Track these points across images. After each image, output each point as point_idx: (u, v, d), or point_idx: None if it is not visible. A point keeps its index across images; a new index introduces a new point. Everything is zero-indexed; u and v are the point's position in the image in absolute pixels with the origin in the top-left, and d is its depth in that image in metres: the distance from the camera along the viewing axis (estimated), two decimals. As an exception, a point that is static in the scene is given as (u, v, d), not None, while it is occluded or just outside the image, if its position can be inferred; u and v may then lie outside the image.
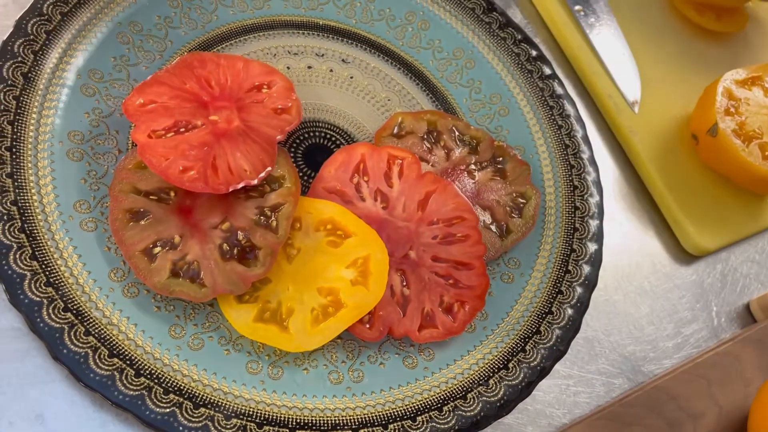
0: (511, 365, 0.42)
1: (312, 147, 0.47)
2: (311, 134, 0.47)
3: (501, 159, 0.48)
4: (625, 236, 0.54)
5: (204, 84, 0.43)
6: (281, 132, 0.43)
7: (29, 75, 0.40)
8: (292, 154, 0.46)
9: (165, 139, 0.40)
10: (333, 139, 0.47)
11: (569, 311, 0.44)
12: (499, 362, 0.42)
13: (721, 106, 0.53)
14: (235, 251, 0.39)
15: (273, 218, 0.40)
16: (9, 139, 0.38)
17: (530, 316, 0.44)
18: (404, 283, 0.42)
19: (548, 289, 0.45)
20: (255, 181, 0.40)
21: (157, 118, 0.41)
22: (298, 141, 0.46)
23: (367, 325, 0.41)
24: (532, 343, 0.43)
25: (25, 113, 0.39)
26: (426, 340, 0.41)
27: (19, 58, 0.40)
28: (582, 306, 0.45)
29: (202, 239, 0.39)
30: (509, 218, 0.46)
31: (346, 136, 0.48)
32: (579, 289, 0.45)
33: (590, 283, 0.46)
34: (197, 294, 0.38)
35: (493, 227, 0.46)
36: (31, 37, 0.41)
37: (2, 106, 0.39)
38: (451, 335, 0.41)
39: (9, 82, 0.39)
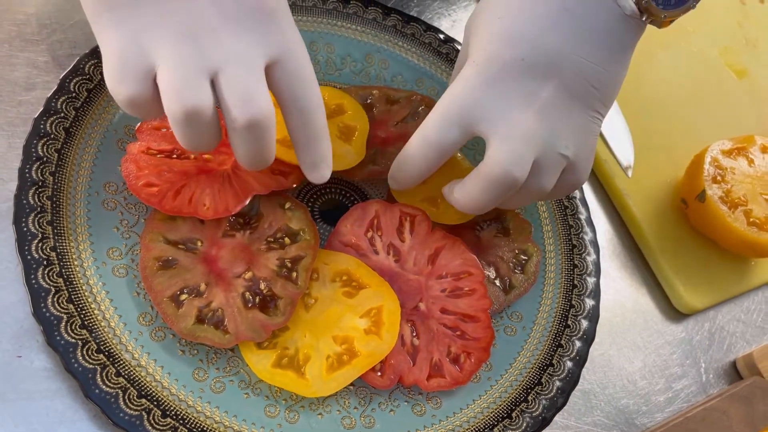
0: (514, 415, 0.44)
1: (328, 202, 0.49)
2: (328, 190, 0.50)
3: (504, 218, 0.51)
4: (618, 293, 0.56)
5: (224, 133, 0.46)
6: (265, 189, 0.44)
7: (70, 130, 0.43)
8: (309, 208, 0.48)
9: (152, 157, 0.44)
10: (348, 195, 0.50)
11: (569, 364, 0.47)
12: (503, 411, 0.44)
13: (709, 174, 0.57)
14: (257, 300, 0.42)
15: (293, 269, 0.43)
16: (50, 189, 0.41)
17: (532, 368, 0.46)
18: (414, 334, 0.44)
19: (549, 343, 0.48)
20: (205, 217, 0.42)
21: (160, 141, 0.44)
22: (315, 196, 0.49)
23: (379, 373, 0.43)
24: (534, 394, 0.45)
25: (66, 165, 0.42)
26: (434, 389, 0.43)
27: (62, 114, 0.43)
28: (581, 359, 0.47)
29: (226, 288, 0.42)
30: (512, 274, 0.49)
31: (360, 192, 0.51)
32: (578, 343, 0.48)
33: (588, 338, 0.49)
34: (221, 340, 0.40)
35: (497, 282, 0.49)
36: (74, 94, 0.44)
37: (45, 158, 0.42)
38: (457, 384, 0.44)
39: (52, 136, 0.42)
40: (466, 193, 0.42)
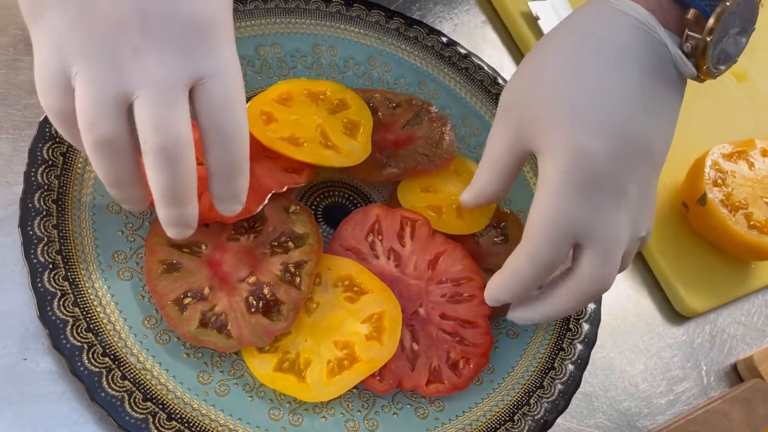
0: (516, 417, 0.44)
1: (331, 205, 0.50)
2: (331, 193, 0.50)
3: (504, 224, 0.52)
4: (620, 296, 0.57)
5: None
6: (280, 187, 0.45)
7: (75, 134, 0.43)
8: (312, 210, 0.49)
9: None
10: (351, 198, 0.50)
11: (570, 367, 0.47)
12: (505, 414, 0.44)
13: (710, 177, 0.57)
14: (261, 305, 0.42)
15: (297, 275, 0.43)
16: (56, 193, 0.41)
17: (534, 371, 0.47)
18: (414, 339, 0.45)
19: (551, 346, 0.48)
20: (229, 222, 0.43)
21: None
22: (318, 199, 0.50)
23: (378, 378, 0.43)
24: (536, 397, 0.45)
25: (71, 169, 0.43)
26: (433, 394, 0.43)
27: (67, 118, 0.43)
28: (582, 363, 0.48)
29: (230, 292, 0.42)
30: (514, 278, 0.49)
31: (363, 195, 0.51)
32: (579, 346, 0.48)
33: (590, 341, 0.49)
34: (224, 344, 0.41)
35: (498, 286, 0.49)
36: (79, 98, 0.44)
37: (50, 162, 0.42)
38: (456, 390, 0.44)
39: (57, 140, 0.43)
40: (558, 308, 0.42)
